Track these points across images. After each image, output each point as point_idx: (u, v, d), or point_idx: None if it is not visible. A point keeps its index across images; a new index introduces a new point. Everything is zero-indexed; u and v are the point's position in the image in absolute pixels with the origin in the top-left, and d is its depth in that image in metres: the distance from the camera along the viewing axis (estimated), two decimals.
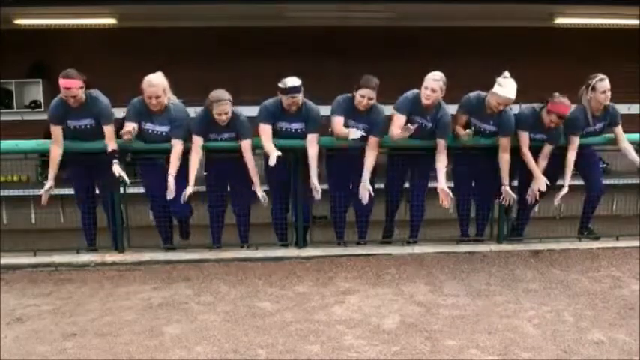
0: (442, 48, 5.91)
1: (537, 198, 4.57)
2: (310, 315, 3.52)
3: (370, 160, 4.38)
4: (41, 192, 4.24)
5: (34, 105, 6.30)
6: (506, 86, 4.29)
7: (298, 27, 6.03)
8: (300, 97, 4.25)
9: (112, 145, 4.23)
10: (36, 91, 6.29)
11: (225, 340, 3.20)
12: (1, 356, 3.01)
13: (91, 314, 3.55)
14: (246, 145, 4.32)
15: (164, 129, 4.31)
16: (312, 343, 3.15)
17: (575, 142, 4.54)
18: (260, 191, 4.37)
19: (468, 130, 4.45)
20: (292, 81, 4.20)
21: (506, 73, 4.32)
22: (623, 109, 5.62)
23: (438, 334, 3.25)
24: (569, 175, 4.56)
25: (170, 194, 4.17)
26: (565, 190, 4.52)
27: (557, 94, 4.35)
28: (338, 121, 4.37)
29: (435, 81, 4.24)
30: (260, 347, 3.11)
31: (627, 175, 5.87)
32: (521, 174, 4.69)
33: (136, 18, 5.81)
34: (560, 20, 6.09)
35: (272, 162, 4.15)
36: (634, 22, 5.75)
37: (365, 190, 4.37)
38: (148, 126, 4.31)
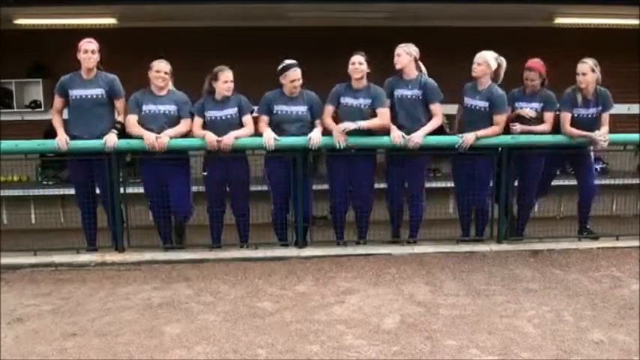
0: (441, 48, 5.89)
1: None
2: (310, 315, 3.52)
3: (378, 123, 4.40)
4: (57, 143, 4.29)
5: (34, 105, 6.29)
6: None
7: (298, 27, 6.01)
8: (300, 72, 4.37)
9: (121, 118, 4.40)
10: (36, 91, 6.28)
11: (225, 340, 3.20)
12: (1, 356, 3.01)
13: (91, 314, 3.55)
14: (247, 119, 4.45)
15: (166, 108, 4.39)
16: (312, 343, 3.15)
17: (567, 118, 4.53)
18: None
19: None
20: (287, 60, 4.38)
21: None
22: (623, 109, 5.63)
23: (438, 334, 3.26)
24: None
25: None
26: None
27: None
28: (327, 110, 4.48)
29: (400, 47, 4.46)
30: (260, 347, 3.11)
31: (627, 175, 5.87)
32: (522, 174, 4.70)
33: (136, 18, 5.80)
34: (560, 20, 6.08)
35: (270, 144, 4.29)
36: (634, 22, 5.73)
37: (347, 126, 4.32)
38: (150, 106, 4.37)
